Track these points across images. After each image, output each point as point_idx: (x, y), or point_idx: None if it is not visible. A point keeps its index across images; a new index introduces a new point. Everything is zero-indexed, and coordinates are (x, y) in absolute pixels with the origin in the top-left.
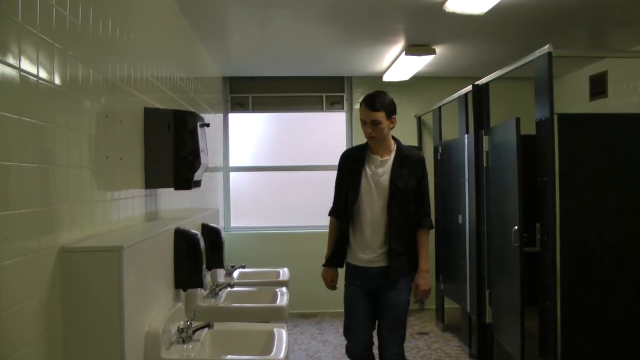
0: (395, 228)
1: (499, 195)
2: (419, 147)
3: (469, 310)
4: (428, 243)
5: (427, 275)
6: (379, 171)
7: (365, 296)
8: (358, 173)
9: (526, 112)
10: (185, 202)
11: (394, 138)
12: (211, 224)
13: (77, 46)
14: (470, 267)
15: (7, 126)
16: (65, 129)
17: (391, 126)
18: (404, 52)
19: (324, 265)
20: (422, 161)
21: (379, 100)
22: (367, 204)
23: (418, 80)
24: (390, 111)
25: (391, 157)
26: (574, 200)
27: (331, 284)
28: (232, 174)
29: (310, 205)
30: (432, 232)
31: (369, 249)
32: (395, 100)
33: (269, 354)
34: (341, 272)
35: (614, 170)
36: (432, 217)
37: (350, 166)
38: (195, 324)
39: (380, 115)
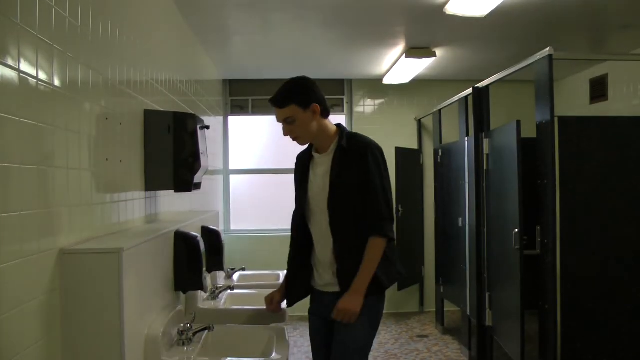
0: (341, 241)
1: (499, 198)
2: (419, 150)
3: (469, 313)
4: (377, 256)
5: (357, 297)
6: (320, 172)
7: (323, 327)
8: (305, 179)
9: (527, 114)
10: (185, 204)
11: (339, 127)
12: (211, 227)
13: (76, 48)
14: (471, 270)
15: (6, 128)
16: (64, 130)
17: (315, 117)
18: (404, 55)
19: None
20: (366, 148)
21: (284, 92)
22: (314, 214)
23: (418, 83)
24: (304, 99)
25: (331, 152)
26: (575, 203)
27: (271, 306)
28: (232, 177)
29: None
30: (432, 234)
31: (320, 269)
32: (395, 103)
33: (269, 356)
34: None
35: (614, 173)
36: (432, 219)
37: (300, 173)
38: (195, 327)
39: (291, 110)
